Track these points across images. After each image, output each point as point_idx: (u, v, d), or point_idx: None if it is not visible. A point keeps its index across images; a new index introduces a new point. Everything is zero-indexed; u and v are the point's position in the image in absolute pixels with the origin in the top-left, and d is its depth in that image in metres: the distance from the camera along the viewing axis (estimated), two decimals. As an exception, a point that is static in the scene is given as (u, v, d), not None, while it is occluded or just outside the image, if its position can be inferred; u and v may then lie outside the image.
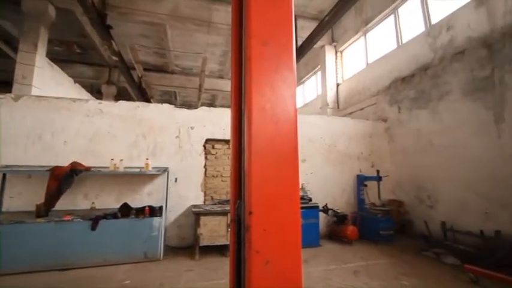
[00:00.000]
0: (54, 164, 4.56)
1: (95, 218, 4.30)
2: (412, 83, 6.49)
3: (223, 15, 8.11)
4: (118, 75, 11.37)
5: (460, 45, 5.40)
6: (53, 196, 4.32)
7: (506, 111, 4.52)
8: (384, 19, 7.87)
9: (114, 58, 8.07)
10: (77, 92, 9.01)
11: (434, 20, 6.16)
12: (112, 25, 7.27)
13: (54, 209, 4.37)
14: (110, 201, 4.96)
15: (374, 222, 5.75)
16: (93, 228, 4.25)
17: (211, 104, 16.74)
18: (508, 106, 4.50)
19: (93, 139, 5.10)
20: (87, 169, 4.62)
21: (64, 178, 4.35)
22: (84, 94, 9.78)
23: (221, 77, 13.47)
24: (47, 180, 4.31)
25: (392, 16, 7.57)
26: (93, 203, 4.76)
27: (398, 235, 5.86)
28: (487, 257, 4.05)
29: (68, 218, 4.29)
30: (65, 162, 4.59)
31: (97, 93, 11.98)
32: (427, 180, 5.97)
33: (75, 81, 9.06)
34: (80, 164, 4.62)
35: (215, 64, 12.29)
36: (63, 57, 10.24)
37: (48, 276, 3.81)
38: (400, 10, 7.32)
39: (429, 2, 6.41)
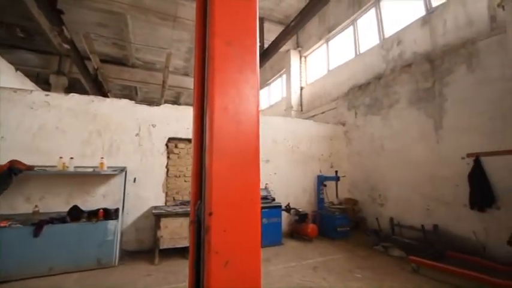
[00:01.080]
0: (-13, 162, 4.00)
1: (39, 223, 3.87)
2: (367, 91, 7.02)
3: (190, 10, 7.88)
4: (70, 65, 10.30)
5: (408, 58, 6.00)
6: (-15, 199, 3.78)
7: (444, 119, 5.15)
8: (345, 29, 8.39)
9: (66, 46, 7.33)
10: (19, 81, 7.96)
11: (388, 33, 6.75)
12: (64, 10, 6.59)
13: (-14, 213, 3.83)
14: (58, 204, 4.49)
15: (332, 220, 6.08)
16: (36, 234, 3.81)
17: (175, 102, 16.12)
18: (446, 115, 5.13)
19: (38, 135, 4.58)
20: (29, 168, 4.12)
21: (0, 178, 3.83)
22: (29, 84, 8.66)
23: (186, 74, 13.06)
24: (-22, 180, 3.77)
25: (351, 27, 8.10)
26: (36, 206, 4.26)
27: (353, 231, 6.27)
28: (427, 248, 4.56)
29: (4, 223, 3.78)
30: (2, 160, 4.05)
31: (45, 84, 10.71)
32: (379, 181, 6.51)
33: (17, 69, 8.01)
34: (20, 163, 4.11)
35: (180, 60, 11.88)
36: (2, 41, 8.99)
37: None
38: (359, 22, 7.87)
39: (383, 17, 7.00)
